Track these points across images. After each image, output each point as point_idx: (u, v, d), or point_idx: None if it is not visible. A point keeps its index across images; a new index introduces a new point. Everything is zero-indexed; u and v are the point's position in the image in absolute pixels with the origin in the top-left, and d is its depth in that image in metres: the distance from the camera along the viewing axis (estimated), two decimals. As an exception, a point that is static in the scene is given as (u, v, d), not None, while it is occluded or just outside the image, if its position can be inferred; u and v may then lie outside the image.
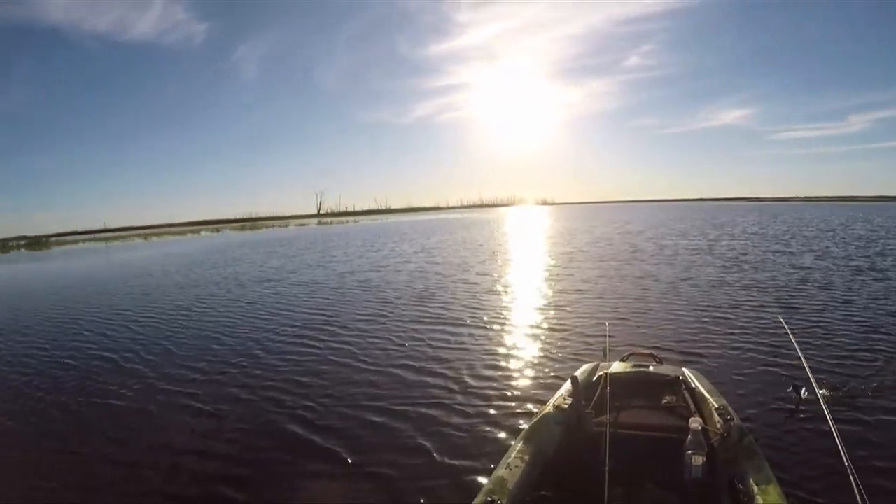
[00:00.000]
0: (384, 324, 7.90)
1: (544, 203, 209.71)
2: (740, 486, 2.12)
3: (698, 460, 2.26)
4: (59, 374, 6.31)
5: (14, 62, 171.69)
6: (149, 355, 6.89)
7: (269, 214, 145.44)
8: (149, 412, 4.86)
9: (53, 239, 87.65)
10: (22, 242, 76.03)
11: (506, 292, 10.31)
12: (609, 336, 4.25)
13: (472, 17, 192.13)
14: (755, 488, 2.05)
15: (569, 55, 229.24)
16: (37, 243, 73.14)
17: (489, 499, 2.07)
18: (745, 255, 14.49)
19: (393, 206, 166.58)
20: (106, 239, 74.79)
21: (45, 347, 7.77)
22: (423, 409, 4.42)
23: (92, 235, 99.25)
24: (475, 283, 11.45)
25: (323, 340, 7.10)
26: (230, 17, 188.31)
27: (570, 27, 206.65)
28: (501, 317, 8.02)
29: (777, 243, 17.53)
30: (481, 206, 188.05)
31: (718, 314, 7.38)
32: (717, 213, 50.09)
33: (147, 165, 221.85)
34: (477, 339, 6.68)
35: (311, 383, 5.33)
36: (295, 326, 8.12)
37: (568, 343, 6.22)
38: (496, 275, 12.90)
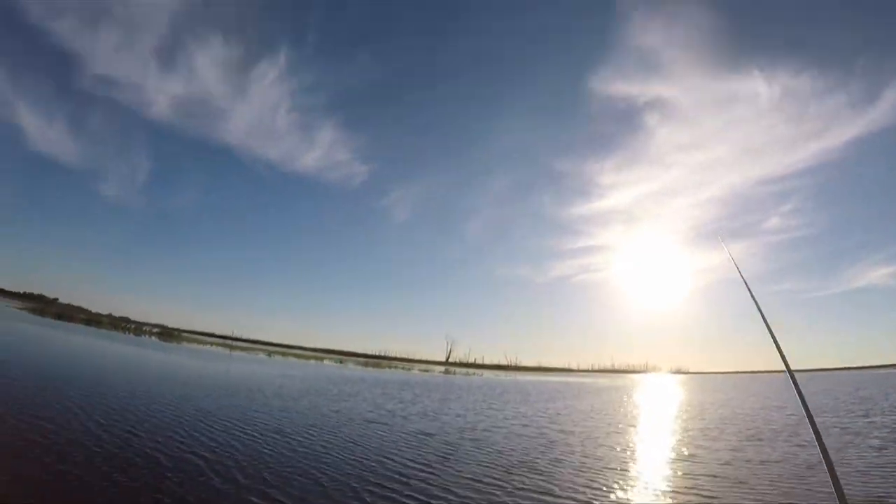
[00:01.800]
0: (502, 489, 7.45)
1: (678, 371, 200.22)
2: None
3: None
4: (142, 458, 6.97)
5: (189, 169, 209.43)
6: (230, 467, 7.17)
7: (396, 355, 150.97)
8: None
9: (185, 334, 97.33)
10: (155, 330, 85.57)
11: (638, 473, 9.41)
12: None
13: (614, 180, 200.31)
14: None
15: (708, 218, 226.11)
16: (168, 334, 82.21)
17: None
18: None
19: (522, 364, 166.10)
20: (231, 347, 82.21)
21: (139, 433, 8.56)
22: None
23: (222, 341, 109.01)
24: (601, 458, 10.49)
25: (421, 496, 6.72)
26: (388, 163, 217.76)
27: (710, 190, 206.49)
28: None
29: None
30: (612, 371, 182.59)
31: None
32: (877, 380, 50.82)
33: (286, 285, 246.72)
34: None
35: None
36: (391, 477, 7.82)
37: None
38: (629, 451, 11.94)
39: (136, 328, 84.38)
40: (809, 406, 2.53)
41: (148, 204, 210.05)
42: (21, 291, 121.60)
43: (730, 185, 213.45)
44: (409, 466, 8.67)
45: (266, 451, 8.55)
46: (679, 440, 13.63)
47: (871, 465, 9.30)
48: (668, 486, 8.43)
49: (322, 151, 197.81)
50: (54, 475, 5.83)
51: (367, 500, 6.39)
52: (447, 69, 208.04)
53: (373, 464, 8.67)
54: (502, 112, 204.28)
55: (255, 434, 9.88)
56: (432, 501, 6.62)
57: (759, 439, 13.36)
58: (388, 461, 8.99)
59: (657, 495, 7.80)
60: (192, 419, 10.58)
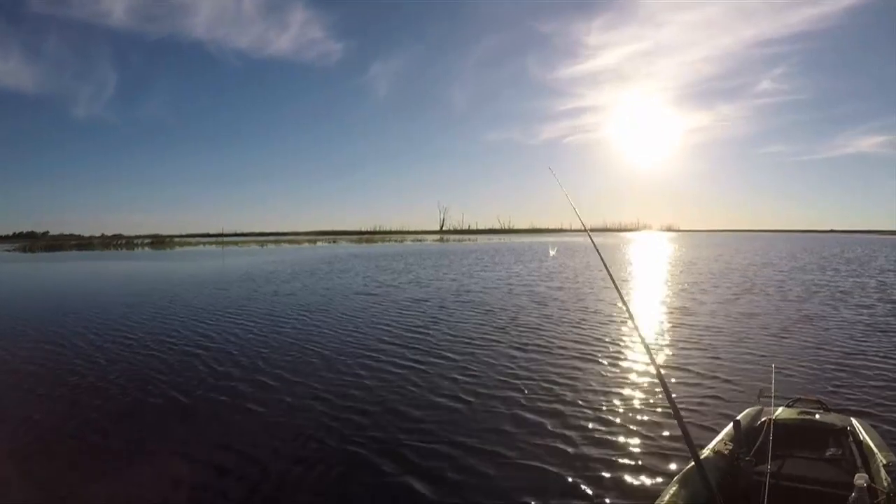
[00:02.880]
0: (499, 349, 7.51)
1: (669, 230, 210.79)
2: None
3: None
4: (141, 361, 7.10)
5: (157, 74, 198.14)
6: (226, 358, 7.16)
7: (391, 228, 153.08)
8: (210, 413, 5.11)
9: (177, 239, 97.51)
10: (147, 241, 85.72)
11: (648, 324, 9.66)
12: (774, 378, 4.07)
13: (603, 40, 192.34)
14: None
15: (699, 78, 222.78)
16: (160, 242, 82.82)
17: None
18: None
19: (516, 227, 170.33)
20: (223, 244, 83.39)
21: (139, 335, 8.78)
22: (555, 445, 4.21)
23: (214, 239, 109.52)
24: (607, 313, 10.70)
25: (419, 362, 6.82)
26: (364, 37, 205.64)
27: (702, 50, 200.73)
28: (646, 351, 7.09)
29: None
30: (605, 230, 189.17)
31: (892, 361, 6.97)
32: (855, 247, 50.62)
33: (272, 174, 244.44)
34: (617, 374, 6.33)
35: (397, 410, 5.07)
36: (389, 344, 7.94)
37: (729, 383, 5.91)
38: (636, 304, 12.40)
39: (127, 243, 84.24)
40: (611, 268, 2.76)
41: (120, 117, 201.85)
42: (11, 233, 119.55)
43: (722, 45, 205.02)
44: (402, 335, 8.67)
45: (258, 337, 8.52)
46: (669, 294, 14.00)
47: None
48: (688, 332, 8.64)
49: (294, 32, 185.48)
50: (67, 391, 5.80)
51: (362, 374, 6.36)
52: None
53: (365, 334, 8.69)
54: None
55: (247, 322, 9.84)
56: (424, 367, 6.61)
57: (752, 293, 13.85)
58: (382, 330, 9.03)
59: (677, 342, 7.96)
60: (185, 317, 10.53)
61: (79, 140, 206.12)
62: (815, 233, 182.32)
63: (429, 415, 4.90)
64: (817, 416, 3.43)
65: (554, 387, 5.70)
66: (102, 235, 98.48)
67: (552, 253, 35.93)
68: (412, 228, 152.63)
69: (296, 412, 5.02)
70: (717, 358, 6.97)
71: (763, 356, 7.06)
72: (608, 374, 6.25)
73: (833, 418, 3.44)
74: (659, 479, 3.59)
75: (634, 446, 4.18)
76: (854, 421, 3.40)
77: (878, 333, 8.59)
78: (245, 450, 4.14)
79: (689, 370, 6.38)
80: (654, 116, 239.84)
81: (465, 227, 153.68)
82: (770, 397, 3.64)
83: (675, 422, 4.02)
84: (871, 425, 3.44)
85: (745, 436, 3.01)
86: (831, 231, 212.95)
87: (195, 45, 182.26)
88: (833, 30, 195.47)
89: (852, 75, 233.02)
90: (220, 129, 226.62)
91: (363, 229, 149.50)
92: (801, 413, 3.49)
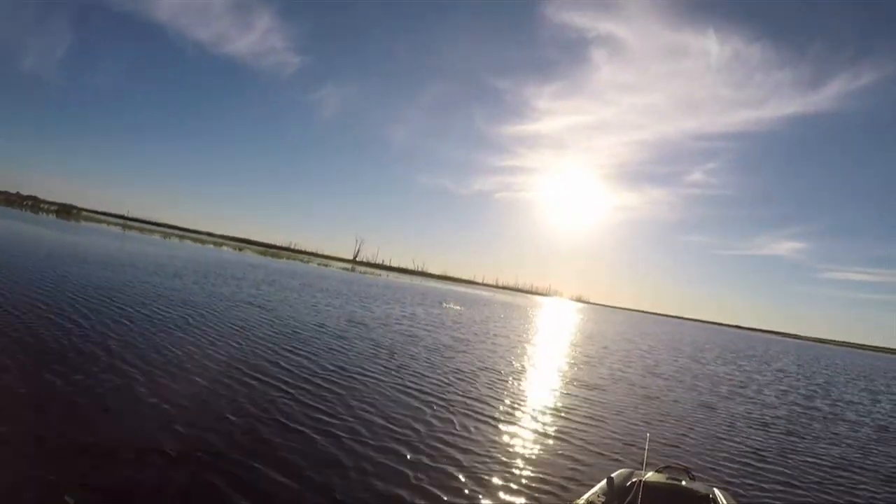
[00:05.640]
0: (398, 398, 7.44)
1: (579, 300, 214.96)
2: None
3: None
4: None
5: (114, 45, 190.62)
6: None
7: (305, 249, 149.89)
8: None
9: (84, 213, 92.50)
10: (53, 208, 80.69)
11: (539, 382, 10.58)
12: (648, 446, 4.62)
13: (550, 106, 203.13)
14: None
15: (635, 159, 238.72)
16: (66, 213, 77.92)
17: None
18: (785, 392, 15.66)
19: (429, 271, 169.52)
20: (126, 226, 79.28)
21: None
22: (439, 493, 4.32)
23: (121, 221, 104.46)
24: (503, 370, 11.25)
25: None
26: (322, 56, 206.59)
27: (642, 133, 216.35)
28: (533, 406, 8.27)
29: (813, 387, 18.78)
30: (516, 289, 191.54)
31: (756, 442, 8.09)
32: (761, 345, 53.21)
33: (197, 168, 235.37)
34: (503, 425, 6.79)
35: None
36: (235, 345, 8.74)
37: (606, 445, 6.54)
38: (531, 363, 13.03)
39: (32, 205, 79.13)
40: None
41: (68, 80, 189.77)
42: None
43: (662, 132, 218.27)
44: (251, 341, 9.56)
45: (124, 321, 9.27)
46: (566, 361, 14.83)
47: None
48: (575, 395, 9.53)
49: (256, 36, 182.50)
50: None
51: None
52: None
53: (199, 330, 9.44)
54: (448, 21, 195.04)
55: (117, 306, 10.53)
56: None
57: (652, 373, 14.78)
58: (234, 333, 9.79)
59: (563, 402, 8.75)
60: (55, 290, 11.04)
61: (20, 91, 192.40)
62: (721, 325, 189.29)
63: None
64: (683, 483, 3.65)
65: (432, 437, 5.77)
66: (18, 193, 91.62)
67: (454, 307, 31.35)
68: (325, 253, 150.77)
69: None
70: (601, 422, 7.68)
71: (640, 425, 7.83)
72: (490, 427, 6.55)
73: (698, 486, 3.69)
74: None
75: (510, 492, 4.46)
76: (717, 491, 3.66)
77: (757, 425, 9.48)
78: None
79: (570, 430, 6.91)
80: (584, 188, 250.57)
81: (379, 261, 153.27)
82: (643, 462, 3.90)
83: (551, 473, 4.97)
84: (733, 495, 3.77)
85: (616, 493, 3.19)
86: (737, 326, 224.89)
87: (156, 26, 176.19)
88: (768, 134, 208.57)
89: (780, 180, 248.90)
90: (159, 111, 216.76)
91: (276, 244, 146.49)
92: (670, 478, 3.71)
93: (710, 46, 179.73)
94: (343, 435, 5.39)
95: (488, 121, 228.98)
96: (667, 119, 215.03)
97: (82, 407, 5.00)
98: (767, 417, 10.59)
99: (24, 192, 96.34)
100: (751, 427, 9.32)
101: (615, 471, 3.92)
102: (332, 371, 8.37)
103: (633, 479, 3.55)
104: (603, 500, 3.11)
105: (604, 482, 3.41)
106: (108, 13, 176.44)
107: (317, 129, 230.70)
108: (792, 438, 8.91)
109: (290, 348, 9.65)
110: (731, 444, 7.77)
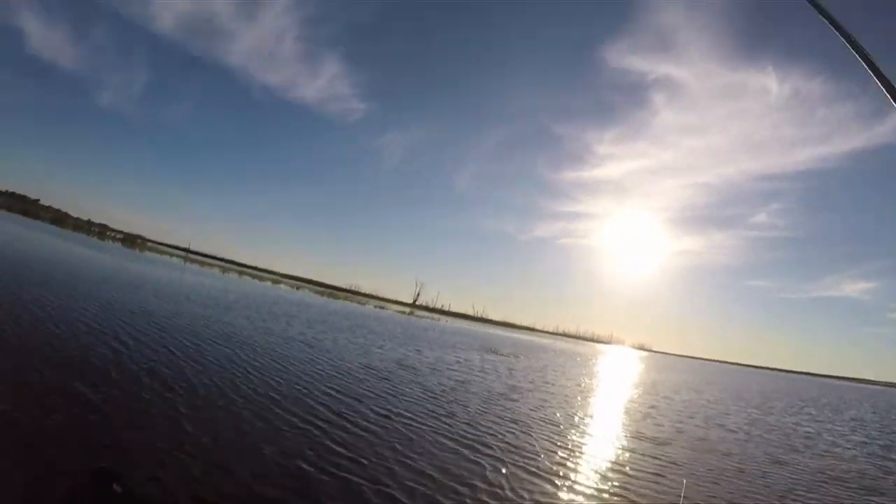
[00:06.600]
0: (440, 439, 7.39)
1: (642, 348, 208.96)
2: None
3: None
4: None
5: (186, 85, 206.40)
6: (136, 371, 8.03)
7: (365, 291, 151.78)
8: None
9: (148, 244, 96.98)
10: (120, 236, 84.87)
11: (597, 434, 10.08)
12: (684, 493, 4.60)
13: (611, 151, 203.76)
14: None
15: (697, 203, 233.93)
16: (132, 242, 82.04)
17: None
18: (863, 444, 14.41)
19: (489, 316, 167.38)
20: (187, 258, 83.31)
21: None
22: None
23: (182, 254, 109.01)
24: (560, 422, 10.71)
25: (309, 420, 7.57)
26: (388, 103, 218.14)
27: (704, 175, 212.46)
28: (590, 460, 7.85)
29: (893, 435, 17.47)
30: (577, 336, 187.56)
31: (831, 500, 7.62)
32: (832, 391, 50.98)
33: (261, 207, 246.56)
34: (558, 480, 6.59)
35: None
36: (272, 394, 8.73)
37: (663, 500, 6.31)
38: (588, 414, 12.49)
39: (99, 232, 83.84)
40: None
41: (141, 114, 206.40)
42: (4, 190, 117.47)
43: (724, 174, 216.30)
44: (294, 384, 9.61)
45: (160, 349, 9.48)
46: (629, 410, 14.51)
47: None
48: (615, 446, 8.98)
49: (324, 83, 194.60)
50: None
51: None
52: (460, 16, 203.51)
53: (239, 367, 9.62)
54: (510, 68, 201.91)
55: (160, 332, 10.84)
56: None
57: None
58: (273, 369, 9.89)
59: (600, 453, 8.33)
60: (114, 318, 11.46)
61: (96, 123, 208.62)
62: (789, 372, 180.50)
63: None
64: None
65: (483, 490, 5.60)
66: (89, 221, 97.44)
67: (512, 355, 29.44)
68: (384, 295, 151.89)
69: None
70: (659, 477, 7.21)
71: (702, 482, 7.22)
72: (545, 482, 6.32)
73: None
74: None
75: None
76: None
77: (833, 481, 8.82)
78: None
79: (628, 486, 6.60)
80: (646, 233, 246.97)
81: (439, 306, 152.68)
82: None
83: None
84: None
85: None
86: (805, 373, 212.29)
87: (228, 69, 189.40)
88: (834, 171, 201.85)
89: (846, 218, 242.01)
90: (228, 150, 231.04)
91: (337, 284, 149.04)
92: None
93: (770, 84, 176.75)
94: (383, 484, 5.14)
95: (550, 166, 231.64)
96: (728, 161, 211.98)
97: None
98: (840, 471, 9.91)
99: (95, 220, 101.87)
100: (825, 483, 8.69)
101: None
102: (378, 415, 8.08)
103: None
104: None
105: None
106: (184, 55, 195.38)
107: (381, 173, 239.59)
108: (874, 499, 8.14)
109: (333, 389, 9.50)
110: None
